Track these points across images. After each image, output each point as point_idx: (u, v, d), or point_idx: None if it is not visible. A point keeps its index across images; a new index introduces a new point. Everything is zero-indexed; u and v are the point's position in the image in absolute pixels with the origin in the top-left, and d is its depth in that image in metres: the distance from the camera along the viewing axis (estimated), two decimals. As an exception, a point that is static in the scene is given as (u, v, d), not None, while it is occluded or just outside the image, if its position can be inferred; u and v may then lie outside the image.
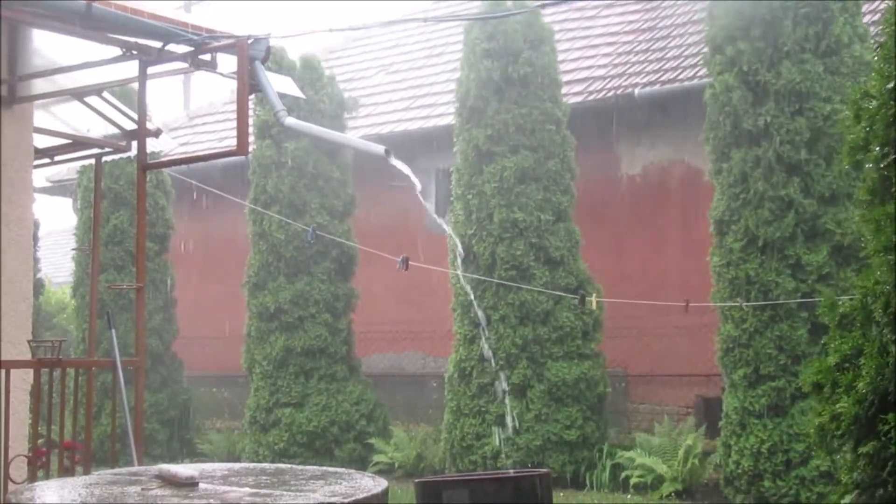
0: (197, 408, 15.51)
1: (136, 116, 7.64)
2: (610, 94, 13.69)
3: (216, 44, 6.71)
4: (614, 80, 14.07)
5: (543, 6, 12.39)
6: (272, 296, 13.33)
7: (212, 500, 3.40)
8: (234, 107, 6.93)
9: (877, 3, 12.28)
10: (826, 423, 3.07)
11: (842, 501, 3.03)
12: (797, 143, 9.79)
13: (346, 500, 3.39)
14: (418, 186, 6.21)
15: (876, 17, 11.73)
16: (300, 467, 4.33)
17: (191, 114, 20.71)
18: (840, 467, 3.13)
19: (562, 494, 10.81)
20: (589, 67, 14.73)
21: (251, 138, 13.33)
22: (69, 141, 8.30)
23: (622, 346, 12.86)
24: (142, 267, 7.13)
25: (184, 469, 3.80)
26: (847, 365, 3.14)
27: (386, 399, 13.92)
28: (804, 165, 9.81)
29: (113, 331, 8.05)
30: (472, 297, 11.60)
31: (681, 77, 13.22)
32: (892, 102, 2.80)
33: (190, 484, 3.63)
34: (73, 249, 16.48)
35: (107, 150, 8.28)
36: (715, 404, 10.91)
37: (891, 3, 3.03)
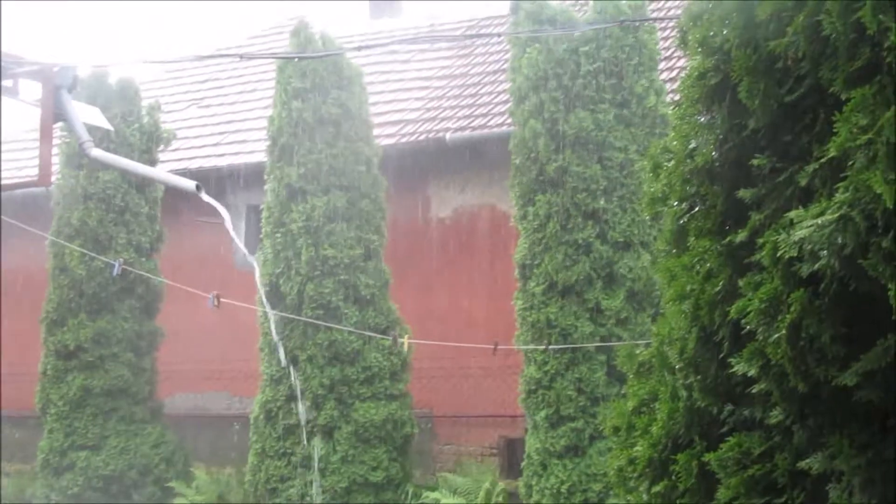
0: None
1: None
2: (422, 137, 13.89)
3: (20, 69, 6.49)
4: (427, 123, 14.28)
5: (358, 49, 12.44)
6: (72, 333, 12.82)
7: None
8: (38, 135, 6.68)
9: (674, 61, 12.94)
10: (624, 465, 3.21)
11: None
12: (593, 190, 10.16)
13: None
14: (228, 221, 6.15)
15: (673, 74, 12.38)
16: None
17: (-12, 140, 19.78)
18: (635, 507, 3.27)
19: (367, 536, 10.78)
20: (402, 111, 14.91)
21: (56, 167, 12.87)
22: None
23: (429, 386, 12.96)
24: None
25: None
26: (644, 409, 3.30)
27: (189, 440, 13.57)
28: (601, 213, 10.19)
29: None
30: (276, 336, 11.39)
31: (491, 123, 13.55)
32: (688, 160, 2.97)
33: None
34: None
35: None
36: (518, 445, 11.13)
37: (687, 63, 3.22)
